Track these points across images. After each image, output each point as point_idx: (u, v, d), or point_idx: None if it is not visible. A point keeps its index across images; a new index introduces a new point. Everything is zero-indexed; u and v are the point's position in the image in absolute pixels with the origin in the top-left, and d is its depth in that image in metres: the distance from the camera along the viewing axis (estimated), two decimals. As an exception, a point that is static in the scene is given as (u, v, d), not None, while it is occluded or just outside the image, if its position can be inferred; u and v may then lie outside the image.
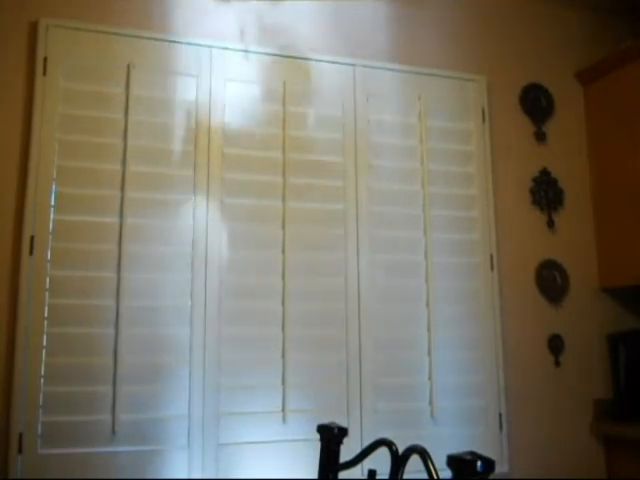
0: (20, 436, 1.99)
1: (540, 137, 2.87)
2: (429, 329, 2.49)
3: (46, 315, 2.07)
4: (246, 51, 2.45)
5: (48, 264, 2.09)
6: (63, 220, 2.13)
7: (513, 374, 2.63)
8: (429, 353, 2.48)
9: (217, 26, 2.45)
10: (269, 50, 2.48)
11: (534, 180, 2.82)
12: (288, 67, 2.50)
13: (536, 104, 2.89)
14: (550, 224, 2.81)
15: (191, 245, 2.25)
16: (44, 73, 2.18)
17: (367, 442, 2.30)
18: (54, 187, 2.14)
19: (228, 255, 2.30)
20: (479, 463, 0.84)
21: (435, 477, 0.96)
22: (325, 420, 2.21)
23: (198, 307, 2.23)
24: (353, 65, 2.59)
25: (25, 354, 2.02)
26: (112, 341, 2.11)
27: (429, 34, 2.78)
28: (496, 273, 2.65)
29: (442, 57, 2.77)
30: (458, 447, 2.41)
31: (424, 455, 1.01)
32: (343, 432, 1.37)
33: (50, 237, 2.11)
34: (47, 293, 2.08)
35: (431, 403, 2.44)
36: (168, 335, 2.18)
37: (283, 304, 2.32)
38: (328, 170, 2.48)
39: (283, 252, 2.35)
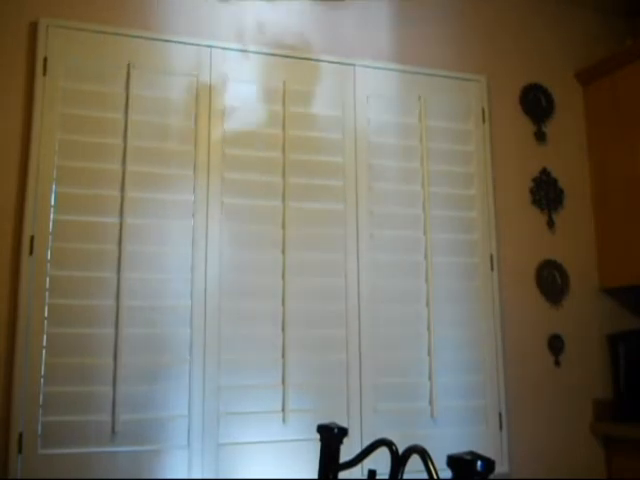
0: (20, 436, 1.99)
1: (540, 137, 2.87)
2: (429, 329, 2.49)
3: (46, 315, 2.07)
4: (246, 51, 2.45)
5: (48, 264, 2.09)
6: (63, 220, 2.13)
7: (513, 374, 2.63)
8: (429, 353, 2.48)
9: (217, 26, 2.45)
10: (269, 50, 2.48)
11: (534, 180, 2.82)
12: (288, 67, 2.50)
13: (536, 104, 2.89)
14: (550, 224, 2.81)
15: (191, 245, 2.26)
16: (44, 73, 2.18)
17: (367, 442, 2.30)
18: (54, 187, 2.14)
19: (228, 255, 2.30)
20: (479, 463, 0.84)
21: (435, 477, 0.96)
22: (325, 420, 2.21)
23: (198, 307, 2.23)
24: (353, 65, 2.59)
25: (25, 354, 2.02)
26: (112, 341, 2.11)
27: (429, 34, 2.78)
28: (496, 273, 2.64)
29: (442, 57, 2.77)
30: (458, 447, 2.41)
31: (424, 455, 1.01)
32: (343, 432, 1.37)
33: (50, 237, 2.11)
34: (47, 293, 2.08)
35: (431, 403, 2.44)
36: (168, 335, 2.18)
37: (283, 304, 2.32)
38: (328, 170, 2.48)
39: (283, 252, 2.35)
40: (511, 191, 2.78)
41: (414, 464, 1.18)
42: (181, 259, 2.24)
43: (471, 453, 0.85)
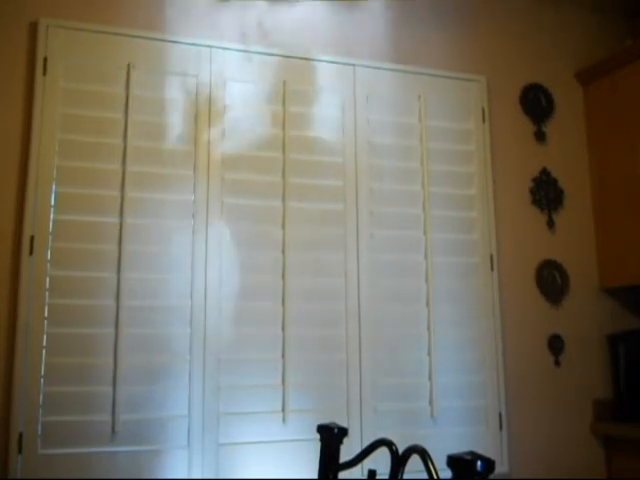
0: (20, 436, 1.99)
1: (540, 137, 2.87)
2: (429, 329, 2.49)
3: (46, 315, 2.07)
4: (246, 51, 2.45)
5: (48, 264, 2.09)
6: (63, 220, 2.13)
7: (513, 374, 2.62)
8: (429, 353, 2.48)
9: (217, 26, 2.45)
10: (269, 50, 2.48)
11: (534, 180, 2.82)
12: (288, 67, 2.50)
13: (536, 104, 2.89)
14: (550, 224, 2.81)
15: (191, 245, 2.26)
16: (44, 73, 2.18)
17: (367, 442, 2.30)
18: (54, 187, 2.14)
19: (228, 255, 2.30)
20: (479, 463, 0.84)
21: (435, 477, 0.96)
22: (325, 420, 2.21)
23: (198, 307, 2.23)
24: (353, 65, 2.59)
25: (25, 354, 2.03)
26: (112, 341, 2.11)
27: (429, 34, 2.78)
28: (496, 273, 2.64)
29: (442, 57, 2.77)
30: (458, 447, 2.41)
31: (424, 455, 1.01)
32: (343, 432, 1.37)
33: (50, 237, 2.11)
34: (47, 293, 2.08)
35: (431, 403, 2.44)
36: (168, 335, 2.18)
37: (283, 304, 2.32)
38: (328, 170, 2.48)
39: (283, 252, 2.35)
40: (511, 191, 2.78)
41: (414, 464, 1.18)
42: (181, 259, 2.24)
43: (471, 453, 0.85)
